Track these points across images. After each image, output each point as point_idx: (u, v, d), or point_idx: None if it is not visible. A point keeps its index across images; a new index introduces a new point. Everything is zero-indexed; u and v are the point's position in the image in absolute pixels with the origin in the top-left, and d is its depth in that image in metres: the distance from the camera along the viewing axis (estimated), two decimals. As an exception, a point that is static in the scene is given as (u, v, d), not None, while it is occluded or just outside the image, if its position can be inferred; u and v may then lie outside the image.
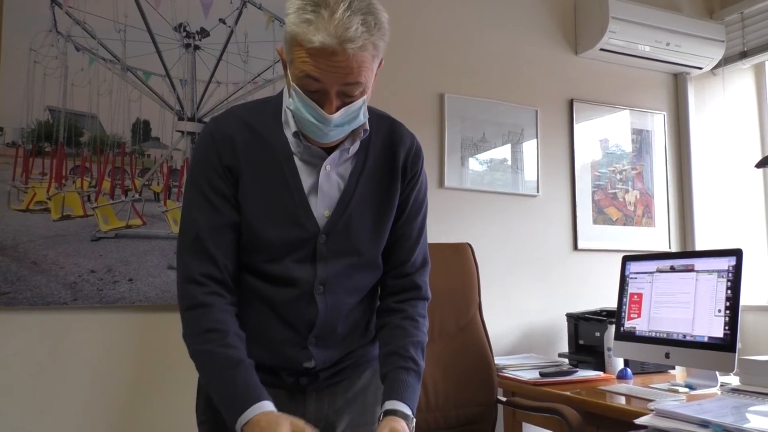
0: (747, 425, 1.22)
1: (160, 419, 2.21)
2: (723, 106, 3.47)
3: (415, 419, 1.14)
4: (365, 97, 1.11)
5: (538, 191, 3.01)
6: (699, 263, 2.20)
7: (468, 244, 2.43)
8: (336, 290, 1.19)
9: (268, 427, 0.99)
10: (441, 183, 2.79)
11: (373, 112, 1.24)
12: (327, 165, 1.17)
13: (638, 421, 1.37)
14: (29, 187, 2.15)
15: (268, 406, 1.05)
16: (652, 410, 1.38)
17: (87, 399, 2.15)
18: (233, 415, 1.04)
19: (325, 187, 1.18)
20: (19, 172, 2.14)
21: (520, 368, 2.48)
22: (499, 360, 2.50)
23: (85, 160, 2.23)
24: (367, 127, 1.17)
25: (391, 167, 1.24)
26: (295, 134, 1.15)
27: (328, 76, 1.04)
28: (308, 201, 1.17)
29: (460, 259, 2.39)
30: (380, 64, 1.13)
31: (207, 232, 1.13)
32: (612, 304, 2.58)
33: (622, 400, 2.01)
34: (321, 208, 1.18)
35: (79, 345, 2.16)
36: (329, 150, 1.17)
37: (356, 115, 1.11)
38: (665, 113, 3.43)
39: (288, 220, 1.15)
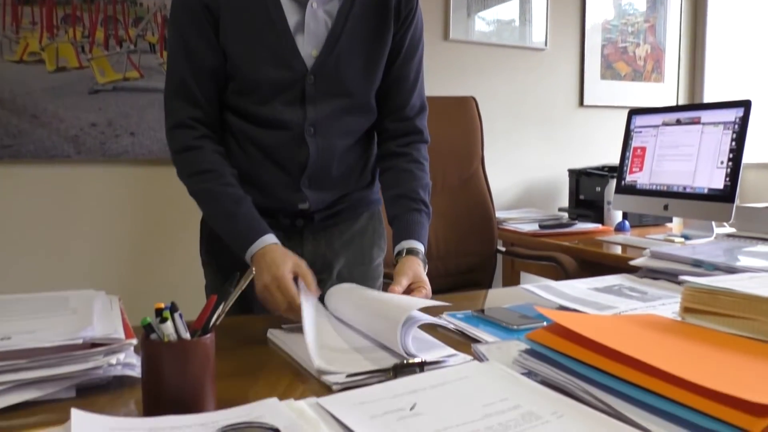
0: (738, 264, 1.26)
1: (166, 265, 2.30)
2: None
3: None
4: None
5: (546, 45, 2.91)
6: (705, 115, 2.17)
7: (472, 97, 2.39)
8: (327, 132, 1.19)
9: (273, 264, 1.04)
10: (446, 35, 2.69)
11: None
12: (313, 2, 1.13)
13: (633, 262, 1.41)
14: (21, 37, 2.09)
15: (271, 239, 1.10)
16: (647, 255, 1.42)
17: (93, 248, 2.23)
18: (241, 248, 1.10)
19: (311, 26, 1.14)
20: (8, 21, 2.07)
21: (520, 221, 2.53)
22: (500, 214, 2.55)
23: (76, 8, 2.14)
24: None
25: (383, 5, 1.19)
26: None
27: None
28: (294, 40, 1.13)
29: (464, 113, 2.36)
30: None
31: (192, 77, 1.14)
32: (615, 160, 2.57)
33: (618, 249, 2.07)
34: (308, 47, 1.14)
35: (85, 197, 2.20)
36: None
37: None
38: (685, -39, 3.23)
39: (274, 60, 1.12)
